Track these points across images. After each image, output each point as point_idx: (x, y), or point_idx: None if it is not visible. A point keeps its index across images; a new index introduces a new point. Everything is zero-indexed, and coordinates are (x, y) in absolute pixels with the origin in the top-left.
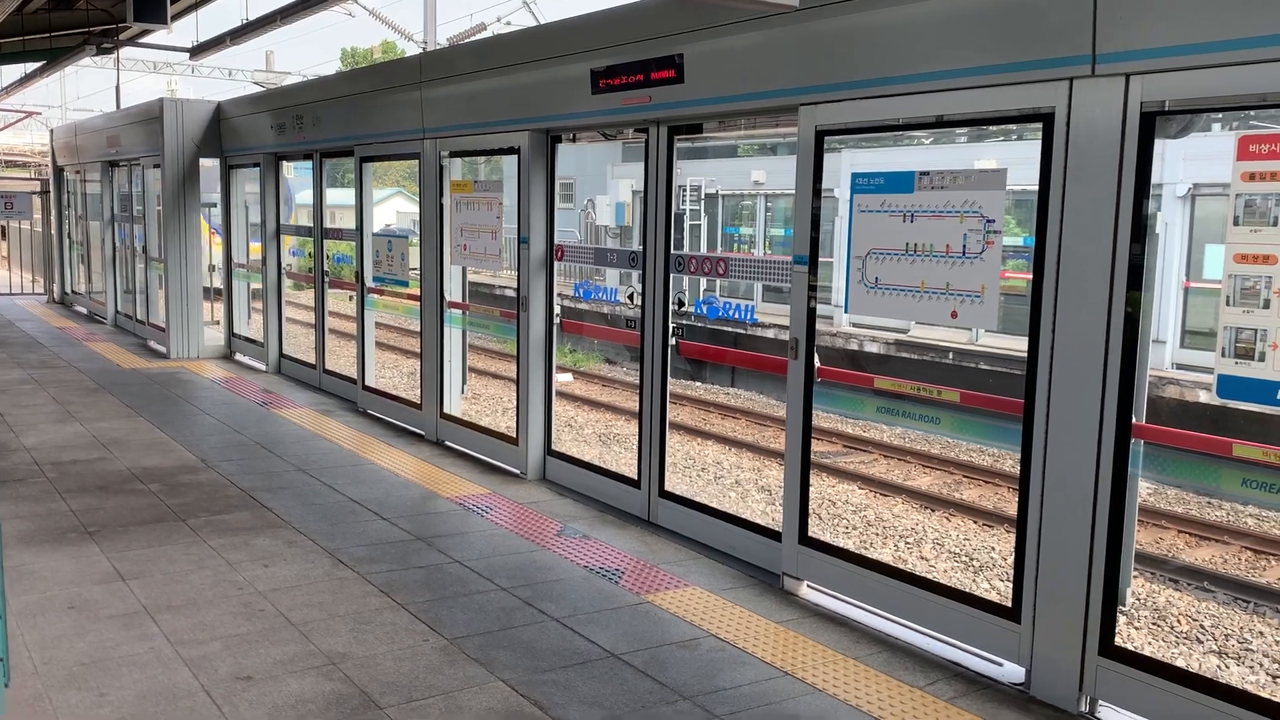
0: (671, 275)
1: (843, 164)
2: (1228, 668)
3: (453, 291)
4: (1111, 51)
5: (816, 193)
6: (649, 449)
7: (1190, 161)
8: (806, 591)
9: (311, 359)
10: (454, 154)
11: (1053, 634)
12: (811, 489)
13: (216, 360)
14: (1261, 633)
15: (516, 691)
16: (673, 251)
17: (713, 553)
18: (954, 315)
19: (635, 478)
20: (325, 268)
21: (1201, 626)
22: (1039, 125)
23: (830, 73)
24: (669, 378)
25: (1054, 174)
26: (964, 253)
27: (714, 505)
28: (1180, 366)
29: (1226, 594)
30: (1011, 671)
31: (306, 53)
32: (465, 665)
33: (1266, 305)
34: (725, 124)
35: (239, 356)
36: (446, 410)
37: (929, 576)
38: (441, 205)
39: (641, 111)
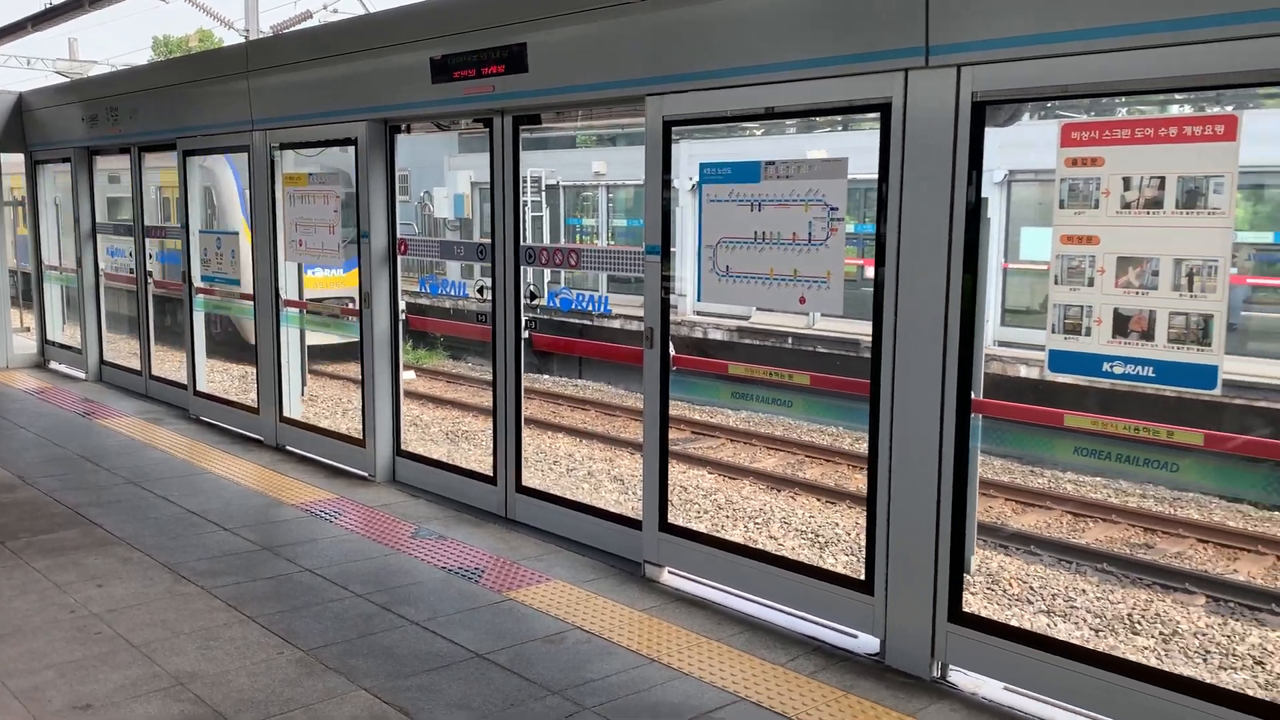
0: (522, 267)
1: (681, 155)
2: (1055, 625)
3: (289, 290)
4: (943, 44)
5: (666, 183)
6: (504, 444)
7: (1005, 150)
8: (668, 578)
9: (137, 365)
10: (285, 146)
11: (904, 604)
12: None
13: (29, 370)
14: (1084, 590)
15: (380, 699)
16: (523, 243)
17: (573, 545)
18: (802, 301)
19: (491, 474)
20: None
21: (1030, 588)
22: (879, 115)
23: (677, 63)
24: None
25: (893, 162)
26: (810, 240)
27: (571, 498)
28: (1001, 343)
29: (1051, 556)
30: (867, 643)
31: (115, 41)
32: (324, 676)
33: (1091, 283)
34: (563, 115)
35: (54, 365)
36: (286, 414)
37: (786, 555)
38: (274, 199)
39: (485, 101)
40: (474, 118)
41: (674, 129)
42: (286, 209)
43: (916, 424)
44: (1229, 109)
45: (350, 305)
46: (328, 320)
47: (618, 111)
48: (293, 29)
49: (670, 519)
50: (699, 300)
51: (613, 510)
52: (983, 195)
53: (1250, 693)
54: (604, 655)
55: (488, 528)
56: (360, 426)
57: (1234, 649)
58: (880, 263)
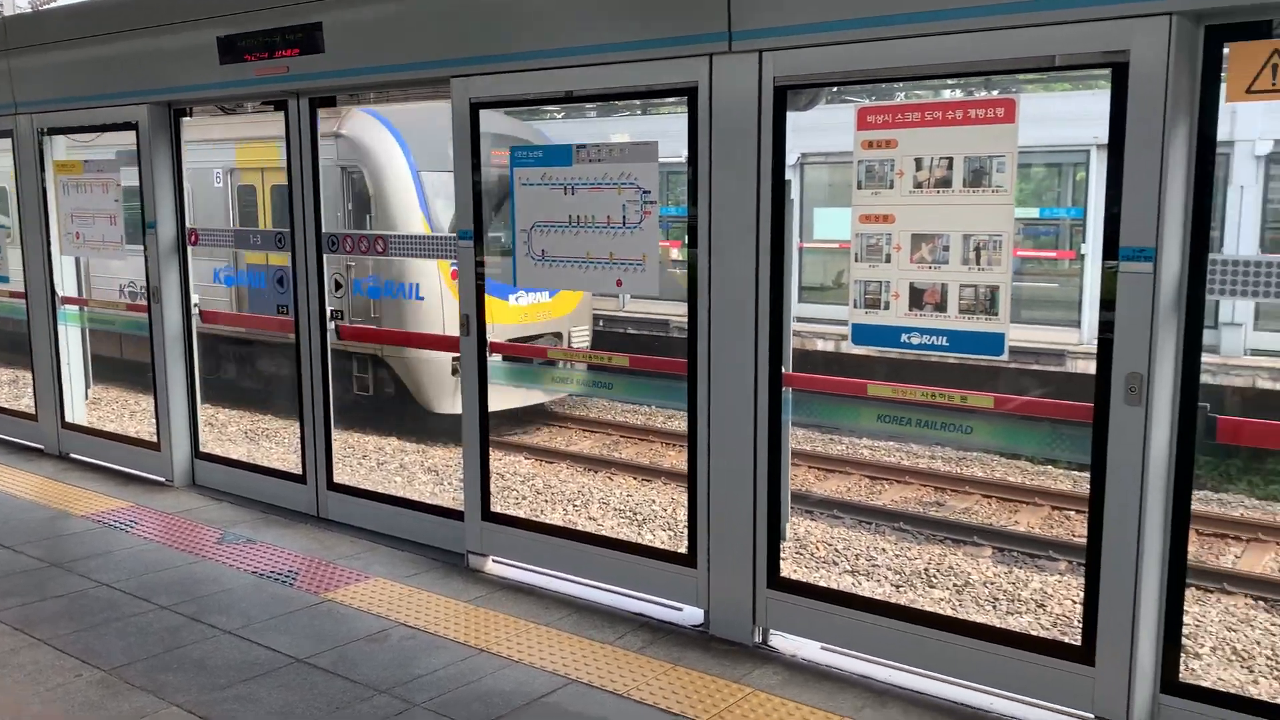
0: (325, 255)
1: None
2: (860, 584)
3: (66, 285)
4: (745, 30)
5: (476, 166)
6: (314, 441)
7: (799, 133)
8: (493, 566)
9: None
10: (54, 131)
11: (726, 574)
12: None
13: None
14: (884, 549)
15: (195, 715)
16: (324, 230)
17: (392, 541)
18: (619, 284)
19: (300, 473)
20: None
21: (836, 550)
22: (687, 99)
23: (483, 45)
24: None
25: (701, 146)
26: (624, 223)
27: (387, 493)
28: (799, 319)
29: (853, 519)
30: (692, 614)
31: None
32: (131, 695)
33: (888, 260)
34: (357, 96)
35: None
36: (69, 419)
37: (608, 535)
38: (44, 189)
39: (279, 83)
40: (266, 100)
41: (482, 110)
42: (60, 199)
43: (732, 399)
44: (1006, 93)
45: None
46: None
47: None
48: (56, 3)
49: (492, 507)
50: (514, 286)
51: (431, 502)
52: (786, 178)
53: (1034, 633)
54: (431, 650)
55: (300, 528)
56: (154, 429)
57: (1019, 594)
58: (693, 244)
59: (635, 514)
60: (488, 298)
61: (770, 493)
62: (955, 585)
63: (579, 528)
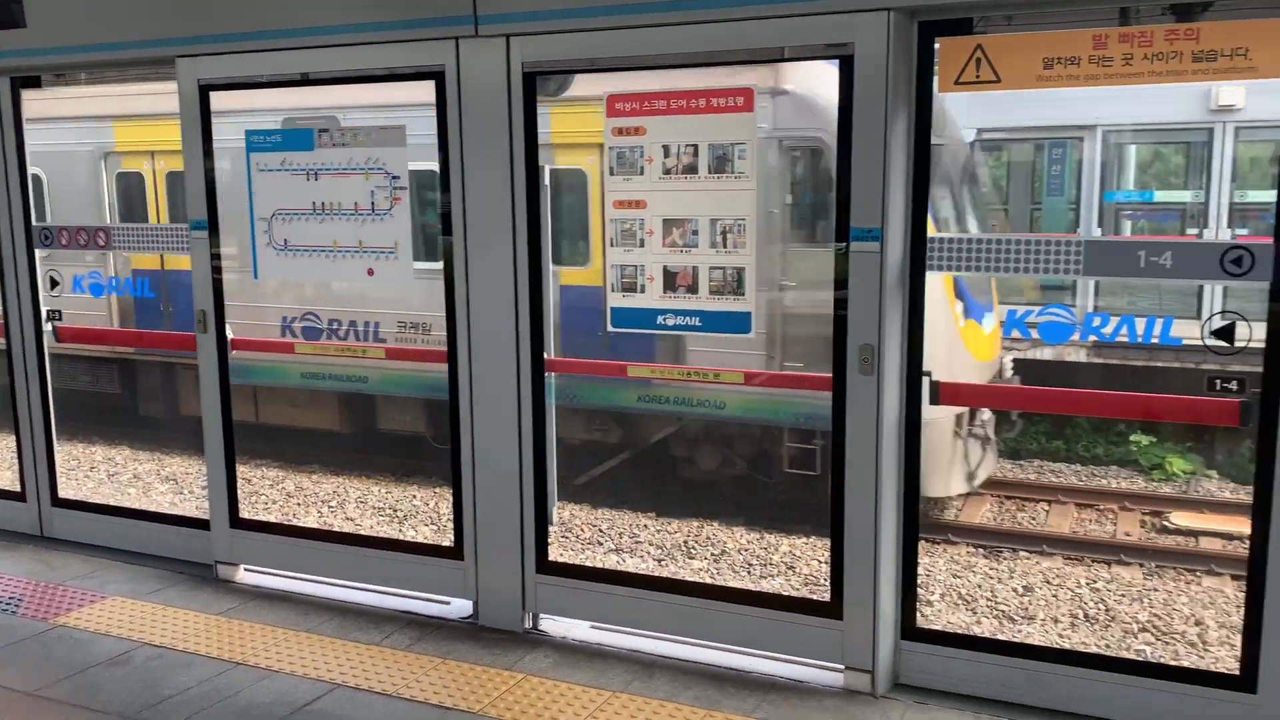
0: (37, 251)
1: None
2: (625, 561)
3: None
4: (491, 14)
5: (208, 152)
6: (32, 455)
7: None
8: (245, 576)
9: None
10: None
11: (495, 563)
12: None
13: None
14: (646, 525)
15: None
16: (34, 223)
17: (131, 556)
18: (370, 273)
19: (19, 490)
20: None
21: (600, 530)
22: (434, 84)
23: (214, 23)
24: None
25: (451, 132)
26: (373, 210)
27: (123, 505)
28: None
29: (615, 498)
30: (460, 607)
31: None
32: None
33: (642, 244)
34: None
35: None
36: None
37: (371, 534)
38: None
39: None
40: None
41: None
42: None
43: (496, 387)
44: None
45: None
46: None
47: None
48: None
49: (241, 514)
50: (255, 277)
51: (173, 513)
52: (540, 164)
53: (788, 593)
54: (181, 668)
55: (22, 550)
56: None
57: (770, 559)
58: (447, 232)
59: (395, 511)
60: (966, 324)
61: (537, 479)
62: (713, 554)
63: (336, 529)
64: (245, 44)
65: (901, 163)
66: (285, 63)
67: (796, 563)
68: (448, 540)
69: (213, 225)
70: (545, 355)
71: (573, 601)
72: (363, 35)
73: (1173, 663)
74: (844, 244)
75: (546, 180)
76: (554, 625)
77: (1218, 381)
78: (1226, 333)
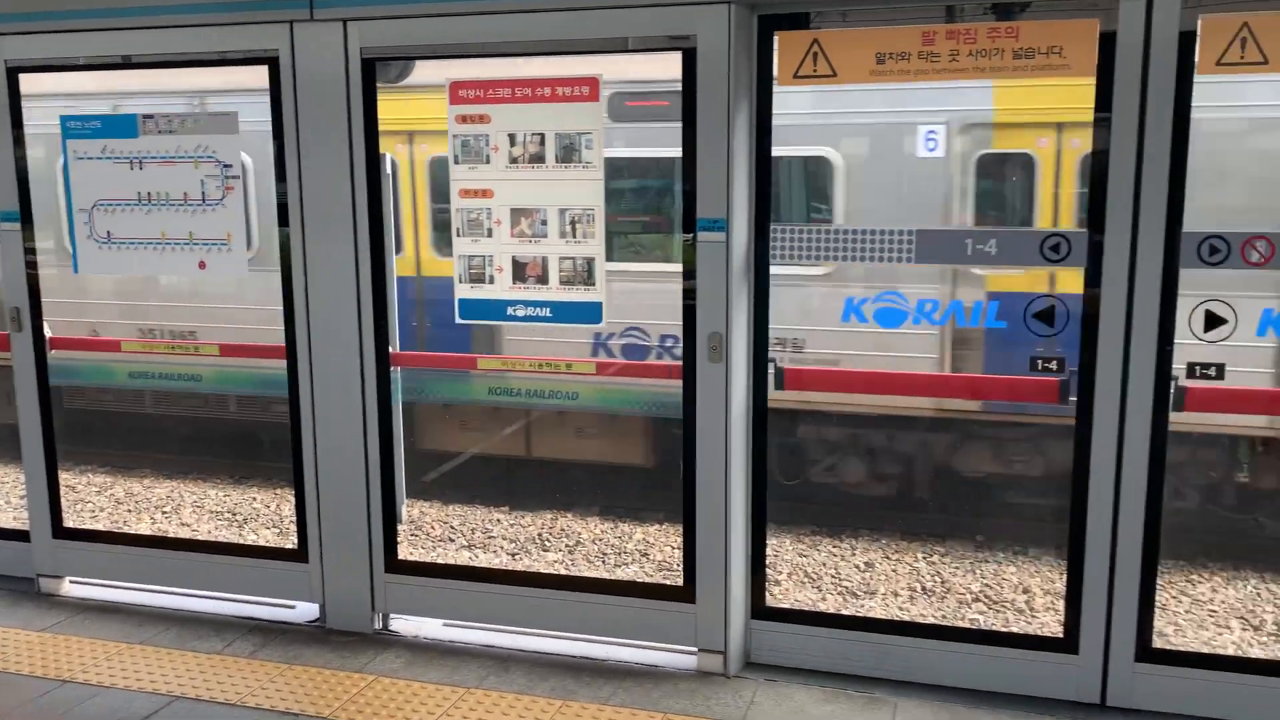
0: None
1: None
2: (478, 557)
3: None
4: None
5: (19, 139)
6: None
7: None
8: (71, 588)
9: None
10: None
11: (341, 565)
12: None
13: None
14: (499, 519)
15: None
16: None
17: None
18: (203, 265)
19: None
20: None
21: (451, 527)
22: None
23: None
24: None
25: (287, 120)
26: (204, 200)
27: None
28: None
29: (466, 494)
30: (306, 610)
31: None
32: None
33: (490, 234)
34: None
35: None
36: None
37: (209, 539)
38: None
39: None
40: None
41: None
42: None
43: (338, 383)
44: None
45: None
46: None
47: None
48: None
49: (66, 523)
50: (75, 271)
51: None
52: (383, 153)
53: (642, 580)
54: (2, 689)
55: None
56: None
57: (624, 547)
58: (284, 223)
59: (235, 514)
60: None
61: (384, 477)
62: (568, 546)
63: (171, 535)
64: (60, 23)
65: (745, 154)
66: (104, 44)
67: (650, 549)
68: (291, 543)
69: (25, 217)
70: (390, 349)
71: (424, 600)
72: (190, 17)
73: (1003, 629)
74: (690, 235)
75: (388, 169)
76: (405, 625)
77: (1039, 362)
78: (1048, 315)
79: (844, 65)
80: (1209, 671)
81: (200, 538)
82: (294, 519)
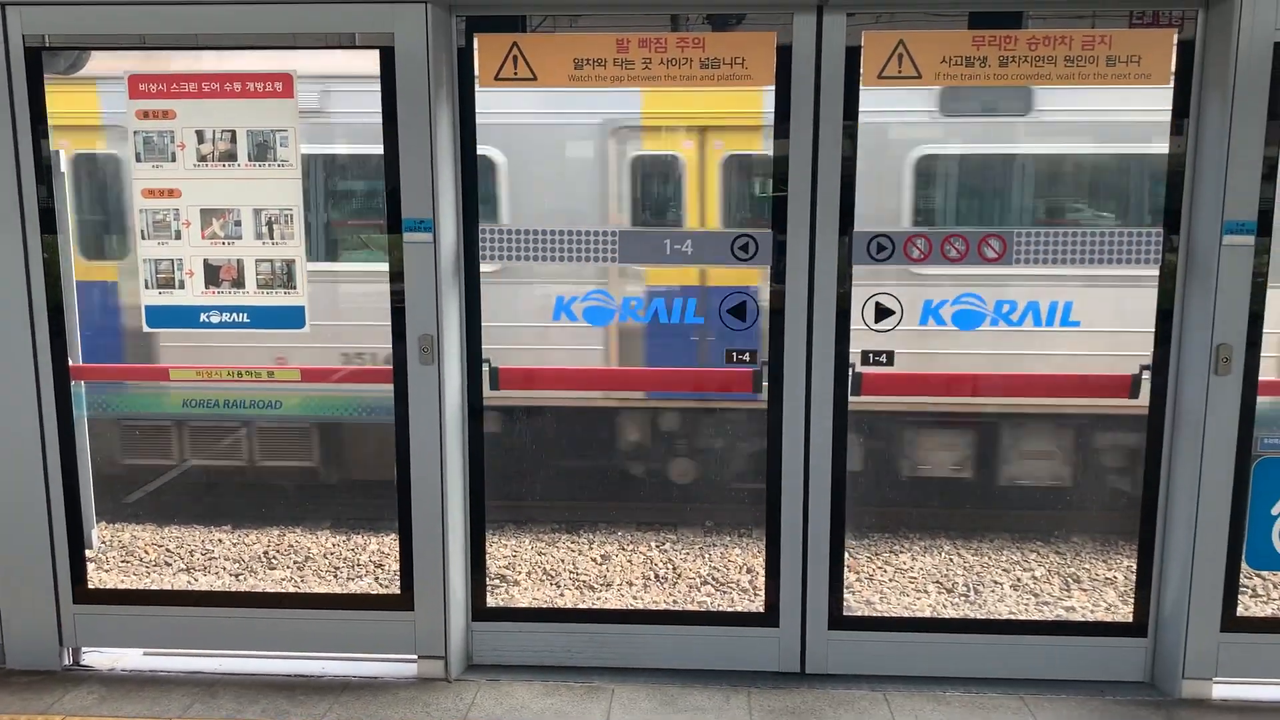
0: None
1: None
2: (197, 580)
3: None
4: None
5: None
6: None
7: None
8: None
9: None
10: None
11: (20, 598)
12: None
13: None
14: (221, 540)
15: None
16: None
17: None
18: None
19: None
20: None
21: (168, 550)
22: None
23: None
24: None
25: None
26: None
27: None
28: None
29: (183, 515)
30: None
31: None
32: None
33: (178, 236)
34: None
35: None
36: None
37: None
38: None
39: None
40: None
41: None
42: None
43: (7, 401)
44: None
45: None
46: None
47: None
48: None
49: None
50: None
51: None
52: (56, 150)
53: (369, 592)
54: None
55: None
56: None
57: (358, 560)
58: None
59: None
60: None
61: (68, 501)
62: (296, 562)
63: None
64: None
65: (450, 155)
66: None
67: (385, 560)
68: None
69: None
70: (71, 361)
71: (122, 630)
72: None
73: (721, 609)
74: (397, 236)
75: (64, 167)
76: (100, 658)
77: (734, 354)
78: (740, 310)
79: (543, 69)
80: (896, 634)
81: None
82: None
